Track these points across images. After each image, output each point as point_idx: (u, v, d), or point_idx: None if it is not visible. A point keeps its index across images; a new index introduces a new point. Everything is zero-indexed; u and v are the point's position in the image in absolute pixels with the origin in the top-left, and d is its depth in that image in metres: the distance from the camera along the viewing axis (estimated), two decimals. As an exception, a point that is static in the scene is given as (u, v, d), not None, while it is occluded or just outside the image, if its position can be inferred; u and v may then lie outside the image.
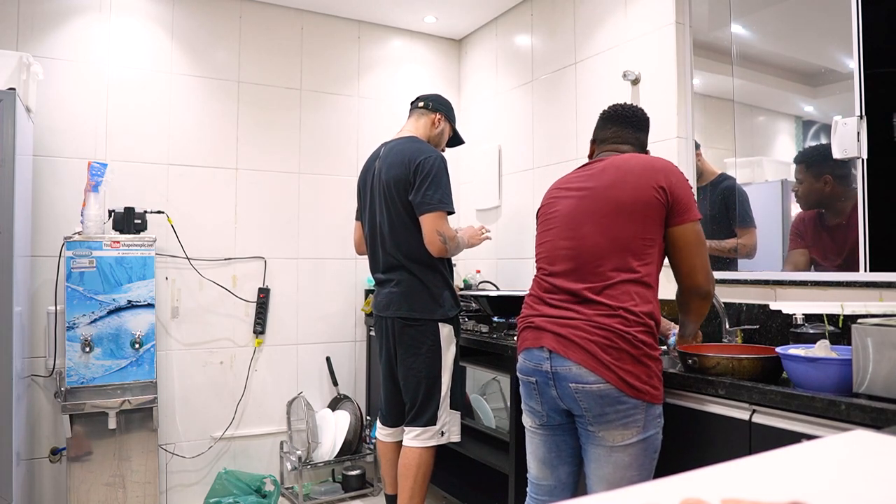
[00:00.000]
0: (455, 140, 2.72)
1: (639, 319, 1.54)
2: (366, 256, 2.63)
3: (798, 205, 2.15)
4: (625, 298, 1.55)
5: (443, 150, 2.63)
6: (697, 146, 2.46)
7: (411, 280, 2.38)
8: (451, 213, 2.38)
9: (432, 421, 2.38)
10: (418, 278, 2.38)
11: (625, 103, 1.89)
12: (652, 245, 1.61)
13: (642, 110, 1.87)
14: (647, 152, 1.85)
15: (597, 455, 1.59)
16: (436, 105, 2.59)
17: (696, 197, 2.38)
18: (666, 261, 1.70)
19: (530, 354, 1.67)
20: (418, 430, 2.38)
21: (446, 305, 2.39)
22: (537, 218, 1.87)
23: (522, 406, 1.78)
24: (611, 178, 1.65)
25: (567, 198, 1.73)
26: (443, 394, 2.39)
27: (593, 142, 1.89)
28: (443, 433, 2.40)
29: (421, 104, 2.59)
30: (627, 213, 1.59)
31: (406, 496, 2.36)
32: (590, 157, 1.88)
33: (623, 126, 1.83)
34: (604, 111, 1.89)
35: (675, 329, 1.93)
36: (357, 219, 2.69)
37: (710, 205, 2.42)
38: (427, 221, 2.32)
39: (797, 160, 2.16)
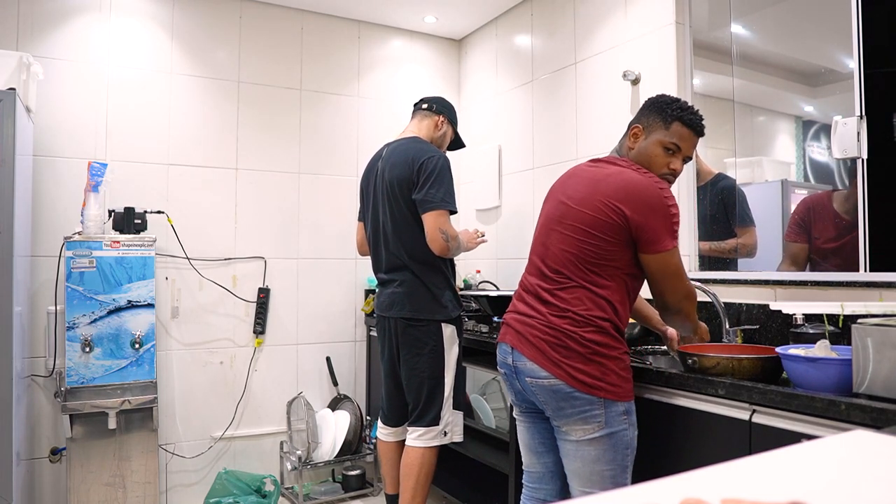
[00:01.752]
0: (456, 143, 2.72)
1: (587, 321, 1.58)
2: (367, 257, 2.64)
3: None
4: (575, 303, 1.60)
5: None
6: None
7: (414, 280, 2.38)
8: (454, 212, 2.38)
9: (435, 421, 2.38)
10: (420, 279, 2.38)
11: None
12: (611, 263, 1.60)
13: (663, 95, 1.76)
14: (637, 130, 1.73)
15: (566, 450, 1.65)
16: (439, 108, 2.59)
17: (695, 199, 2.41)
18: None
19: (500, 348, 1.78)
20: (421, 430, 2.38)
21: (449, 306, 2.39)
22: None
23: None
24: (584, 192, 1.65)
25: (555, 199, 1.77)
26: (446, 394, 2.39)
27: None
28: (445, 433, 2.40)
29: (424, 106, 2.59)
30: (586, 232, 1.61)
31: (408, 496, 2.37)
32: None
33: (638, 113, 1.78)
34: None
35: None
36: (360, 219, 2.69)
37: (708, 205, 2.42)
38: (430, 219, 2.33)
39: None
